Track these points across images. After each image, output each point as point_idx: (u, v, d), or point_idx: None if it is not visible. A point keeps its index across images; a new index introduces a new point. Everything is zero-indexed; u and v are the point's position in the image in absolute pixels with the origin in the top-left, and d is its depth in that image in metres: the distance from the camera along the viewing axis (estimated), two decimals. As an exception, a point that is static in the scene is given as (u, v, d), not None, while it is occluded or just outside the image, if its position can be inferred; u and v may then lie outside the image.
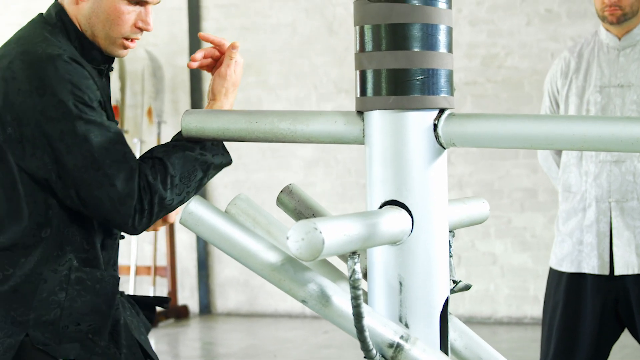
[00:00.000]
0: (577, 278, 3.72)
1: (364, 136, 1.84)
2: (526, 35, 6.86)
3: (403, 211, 1.77)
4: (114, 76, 7.22)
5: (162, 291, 7.68)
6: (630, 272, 3.63)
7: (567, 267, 3.73)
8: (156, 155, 2.15)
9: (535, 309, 6.83)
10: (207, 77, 7.62)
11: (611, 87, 3.66)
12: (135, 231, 2.14)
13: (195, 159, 2.15)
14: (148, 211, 2.11)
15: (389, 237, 1.73)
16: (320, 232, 1.56)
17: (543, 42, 6.82)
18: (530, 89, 6.86)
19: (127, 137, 7.33)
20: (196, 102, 7.67)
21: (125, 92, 7.68)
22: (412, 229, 1.78)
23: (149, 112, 7.72)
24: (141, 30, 2.30)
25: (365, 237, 1.65)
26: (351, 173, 7.29)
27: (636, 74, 3.64)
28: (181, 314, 7.58)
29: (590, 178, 3.69)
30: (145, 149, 7.32)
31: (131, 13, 2.27)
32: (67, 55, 2.18)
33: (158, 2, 2.33)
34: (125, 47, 2.31)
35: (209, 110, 2.15)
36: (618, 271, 3.64)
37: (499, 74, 6.94)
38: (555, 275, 3.79)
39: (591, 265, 3.67)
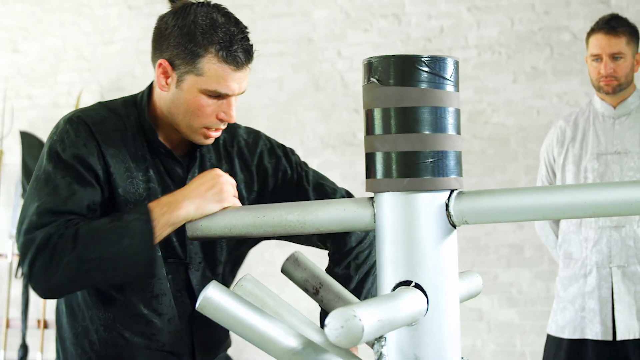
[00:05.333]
0: (578, 344, 3.72)
1: (374, 222, 1.85)
2: (512, 93, 6.91)
3: (419, 292, 1.78)
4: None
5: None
6: (631, 337, 3.64)
7: (569, 334, 3.73)
8: None
9: (523, 365, 6.82)
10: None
11: (608, 154, 3.69)
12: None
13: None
14: None
15: (409, 319, 1.74)
16: (360, 320, 1.56)
17: (529, 99, 6.87)
18: (517, 145, 6.90)
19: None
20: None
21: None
22: (427, 309, 1.78)
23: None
24: (222, 121, 2.23)
25: (392, 321, 1.66)
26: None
27: (632, 141, 3.68)
28: (166, 370, 7.50)
29: (590, 244, 3.70)
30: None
31: (211, 105, 2.20)
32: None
33: (242, 93, 2.24)
34: (207, 137, 2.25)
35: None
36: (620, 336, 3.64)
37: (485, 130, 6.98)
38: (554, 343, 3.78)
39: (594, 331, 3.67)
